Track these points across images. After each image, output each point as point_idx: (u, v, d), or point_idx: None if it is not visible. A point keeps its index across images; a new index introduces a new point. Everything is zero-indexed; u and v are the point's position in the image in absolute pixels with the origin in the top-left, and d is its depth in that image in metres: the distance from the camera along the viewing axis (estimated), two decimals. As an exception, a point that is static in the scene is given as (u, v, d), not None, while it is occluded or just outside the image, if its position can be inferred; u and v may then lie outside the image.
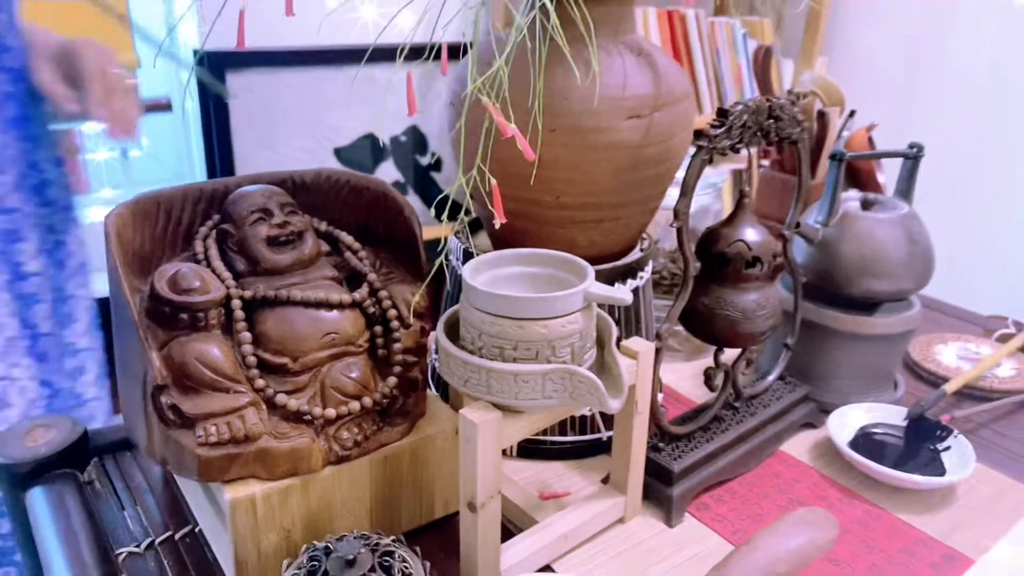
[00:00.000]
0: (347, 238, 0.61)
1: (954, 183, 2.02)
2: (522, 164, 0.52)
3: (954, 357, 0.84)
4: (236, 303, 0.53)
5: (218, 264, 0.55)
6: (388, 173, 1.94)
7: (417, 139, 1.93)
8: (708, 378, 0.65)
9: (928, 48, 1.99)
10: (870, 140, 0.98)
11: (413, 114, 0.49)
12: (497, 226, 0.64)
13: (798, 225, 0.70)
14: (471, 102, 0.47)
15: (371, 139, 1.87)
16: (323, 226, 0.61)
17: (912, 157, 0.73)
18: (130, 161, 1.69)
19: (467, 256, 0.65)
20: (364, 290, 0.56)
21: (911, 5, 2.01)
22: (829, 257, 0.71)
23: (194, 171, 1.74)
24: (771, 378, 0.71)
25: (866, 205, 0.74)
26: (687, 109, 0.63)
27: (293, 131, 1.76)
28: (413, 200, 1.97)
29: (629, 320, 0.68)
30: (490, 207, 0.47)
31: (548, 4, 0.46)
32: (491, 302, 0.48)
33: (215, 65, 1.58)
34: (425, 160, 1.97)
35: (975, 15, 1.89)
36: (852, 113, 0.97)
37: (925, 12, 1.98)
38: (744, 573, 0.45)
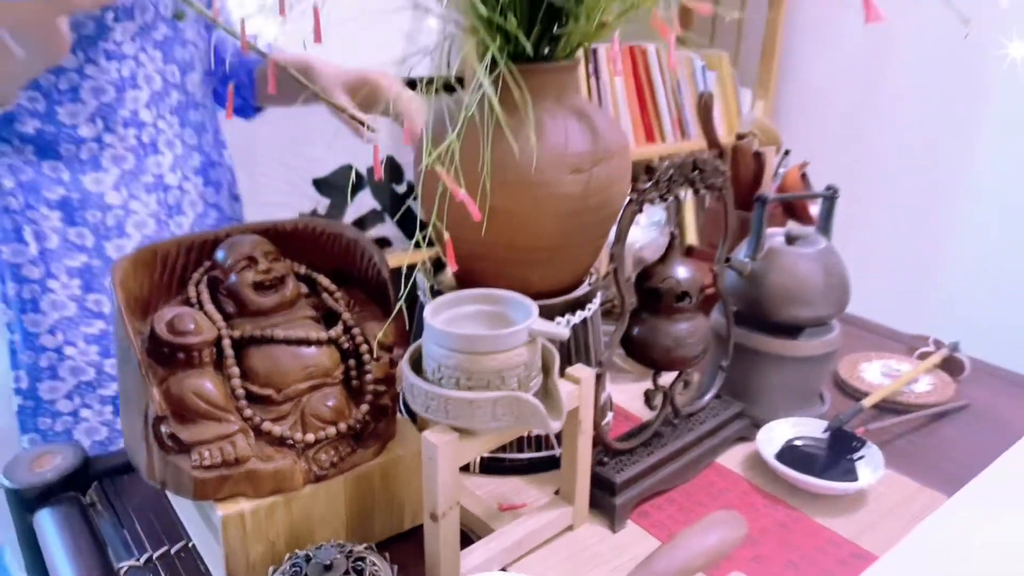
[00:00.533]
0: (324, 280, 0.68)
1: (900, 210, 2.14)
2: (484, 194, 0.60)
3: (877, 374, 0.93)
4: (226, 342, 0.60)
5: (210, 307, 0.62)
6: (366, 202, 2.02)
7: (394, 168, 2.02)
8: (648, 399, 0.73)
9: (874, 79, 2.10)
10: (803, 176, 1.07)
11: (378, 178, 0.56)
12: (449, 273, 0.72)
13: (728, 260, 0.79)
14: (427, 169, 0.55)
15: (349, 169, 1.95)
16: (303, 270, 0.69)
17: (828, 198, 0.82)
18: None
19: (434, 293, 0.73)
20: (339, 328, 0.64)
21: (857, 39, 2.12)
22: (757, 288, 0.80)
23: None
24: (707, 397, 0.80)
25: (790, 240, 0.83)
26: (623, 162, 0.71)
27: (272, 163, 1.84)
28: (390, 227, 2.06)
29: (579, 346, 0.76)
30: (443, 257, 0.55)
31: (490, 90, 0.54)
32: (448, 340, 0.55)
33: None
34: (402, 188, 2.05)
35: (917, 50, 2.00)
36: (787, 152, 1.06)
37: (871, 46, 2.10)
38: (666, 567, 0.53)
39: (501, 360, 0.56)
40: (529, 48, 0.62)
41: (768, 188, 1.04)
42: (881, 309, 1.17)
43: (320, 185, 1.93)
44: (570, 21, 0.64)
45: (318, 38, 0.61)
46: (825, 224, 0.83)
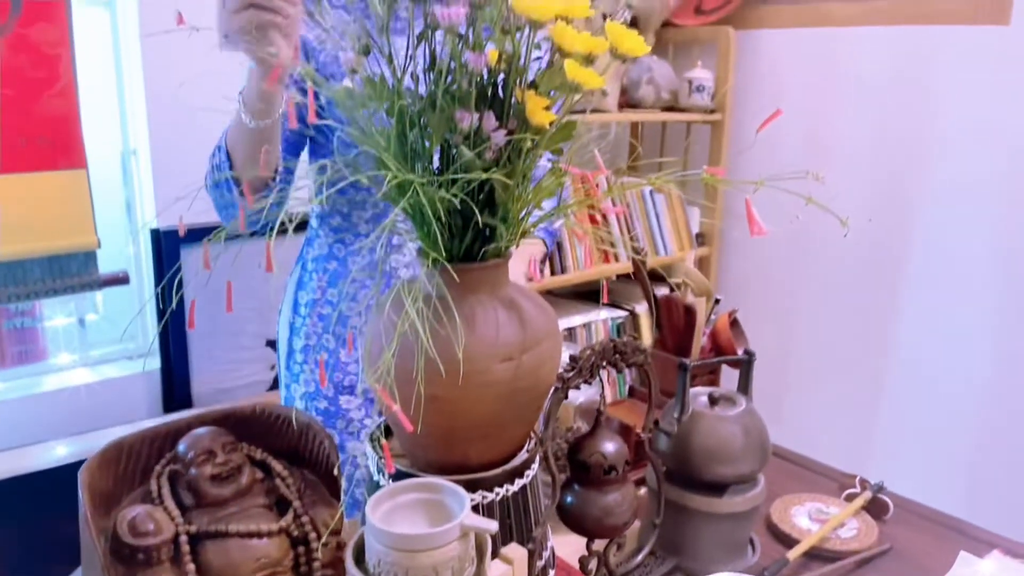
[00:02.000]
0: (278, 466, 0.74)
1: (837, 342, 2.25)
2: (419, 400, 0.67)
3: (807, 519, 0.99)
4: (183, 538, 0.65)
5: (169, 503, 0.67)
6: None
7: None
8: (582, 565, 0.78)
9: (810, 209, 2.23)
10: (734, 323, 1.15)
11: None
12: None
13: (657, 424, 0.85)
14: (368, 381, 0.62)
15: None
16: (258, 454, 0.75)
17: (745, 362, 0.90)
18: (87, 327, 1.81)
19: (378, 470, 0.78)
20: (290, 516, 0.69)
21: (803, 163, 2.27)
22: (684, 448, 0.86)
23: (147, 333, 1.86)
24: (641, 555, 0.85)
25: (713, 402, 0.90)
26: (552, 345, 0.78)
27: (243, 295, 1.90)
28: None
29: (519, 511, 0.81)
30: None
31: (417, 311, 0.62)
32: (385, 537, 0.61)
33: (170, 241, 1.73)
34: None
35: (851, 182, 2.15)
36: (717, 301, 1.15)
37: (814, 161, 2.24)
38: None
39: (436, 556, 0.61)
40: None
41: (700, 338, 1.12)
42: (813, 443, 1.24)
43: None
44: (496, 235, 0.72)
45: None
46: (744, 385, 0.91)
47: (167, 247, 1.72)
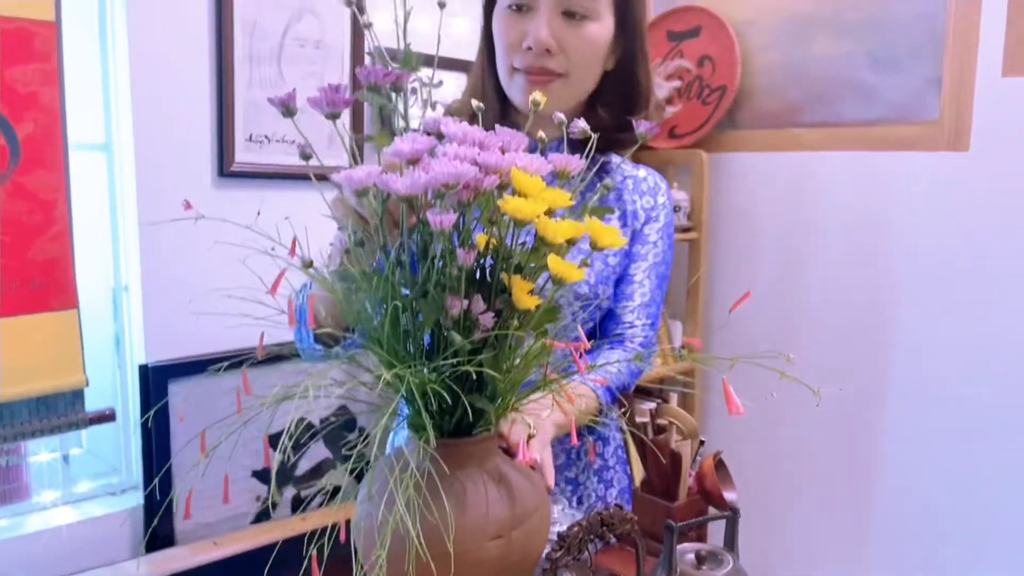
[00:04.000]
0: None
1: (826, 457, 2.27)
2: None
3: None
4: None
5: None
6: (319, 451, 2.07)
7: (347, 418, 2.09)
8: None
9: (791, 316, 2.30)
10: (719, 464, 1.17)
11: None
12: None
13: (646, 586, 0.86)
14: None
15: (301, 421, 2.02)
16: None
17: (730, 519, 0.91)
18: (71, 463, 1.79)
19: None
20: None
21: (774, 276, 2.34)
22: (674, 610, 0.87)
23: (130, 467, 1.84)
24: None
25: (700, 560, 0.91)
26: (541, 518, 0.80)
27: (228, 425, 1.90)
28: (341, 474, 2.10)
29: None
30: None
31: (407, 500, 0.64)
32: None
33: (158, 376, 1.74)
34: (353, 434, 2.12)
35: (826, 305, 2.22)
36: (702, 443, 1.17)
37: (784, 286, 2.31)
38: None
39: None
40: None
41: (687, 480, 1.13)
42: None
43: (273, 440, 1.98)
44: (483, 417, 0.75)
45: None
46: (730, 541, 0.92)
47: (155, 382, 1.73)
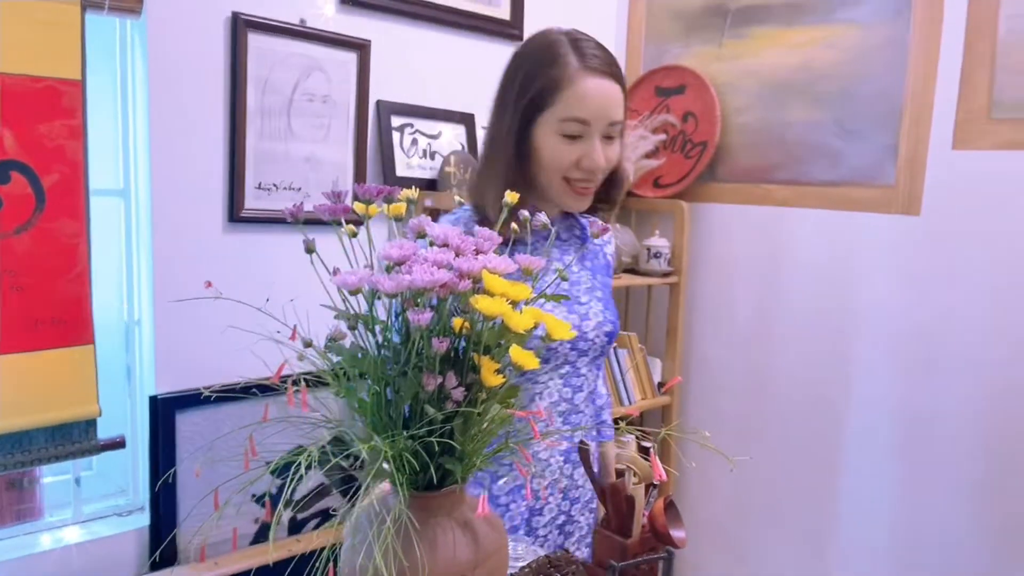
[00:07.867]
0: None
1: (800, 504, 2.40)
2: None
3: None
4: None
5: None
6: (316, 478, 2.20)
7: (341, 444, 2.22)
8: None
9: (763, 355, 2.44)
10: (669, 505, 1.30)
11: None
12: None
13: (592, 620, 1.00)
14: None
15: (300, 448, 2.15)
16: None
17: (665, 559, 1.05)
18: (82, 485, 1.92)
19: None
20: None
21: (748, 317, 2.48)
22: (616, 642, 1.00)
23: (137, 490, 1.97)
24: None
25: (641, 598, 1.04)
26: (499, 560, 0.93)
27: (232, 451, 2.03)
28: (337, 499, 2.23)
29: None
30: None
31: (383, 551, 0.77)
32: None
33: (166, 407, 1.88)
34: (347, 462, 2.25)
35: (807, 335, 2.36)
36: (654, 486, 1.31)
37: (760, 318, 2.45)
38: None
39: None
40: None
41: (640, 520, 1.27)
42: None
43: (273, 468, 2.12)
44: (451, 475, 0.89)
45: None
46: (668, 581, 1.05)
47: (164, 412, 1.87)
